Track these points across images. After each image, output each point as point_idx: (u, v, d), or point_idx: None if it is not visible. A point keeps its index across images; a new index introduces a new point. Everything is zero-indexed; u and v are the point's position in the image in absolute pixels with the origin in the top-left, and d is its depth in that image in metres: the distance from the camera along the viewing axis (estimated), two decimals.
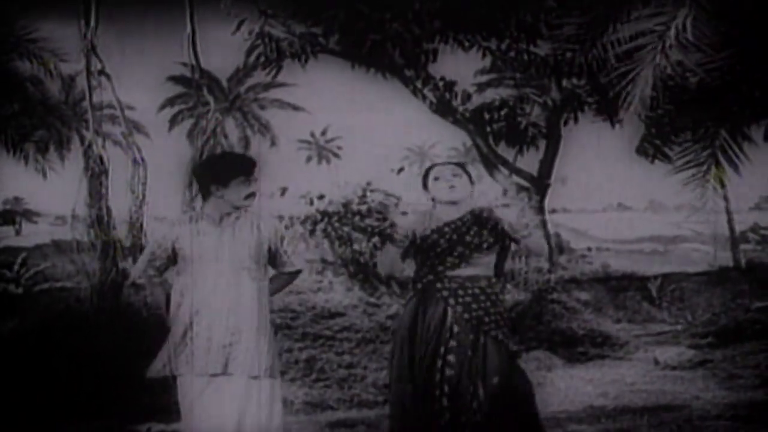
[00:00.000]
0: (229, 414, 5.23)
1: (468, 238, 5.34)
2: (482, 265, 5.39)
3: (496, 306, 5.35)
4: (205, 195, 5.38)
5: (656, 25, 9.00)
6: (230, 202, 5.31)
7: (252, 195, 5.34)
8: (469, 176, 5.47)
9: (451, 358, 5.23)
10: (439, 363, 5.22)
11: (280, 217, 11.71)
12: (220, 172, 5.35)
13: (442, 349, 5.25)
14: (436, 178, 5.42)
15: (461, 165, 5.52)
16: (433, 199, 5.47)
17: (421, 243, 5.36)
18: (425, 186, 5.50)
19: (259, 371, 5.25)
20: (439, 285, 5.34)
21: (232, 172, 5.31)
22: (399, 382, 5.36)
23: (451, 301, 5.29)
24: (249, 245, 5.32)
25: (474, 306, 5.28)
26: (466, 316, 5.26)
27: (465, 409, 5.19)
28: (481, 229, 5.35)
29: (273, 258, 5.45)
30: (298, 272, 5.64)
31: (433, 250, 5.35)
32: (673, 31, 8.78)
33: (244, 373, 5.23)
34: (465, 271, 5.35)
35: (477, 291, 5.31)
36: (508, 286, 11.87)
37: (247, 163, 5.40)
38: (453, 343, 5.25)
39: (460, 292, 5.30)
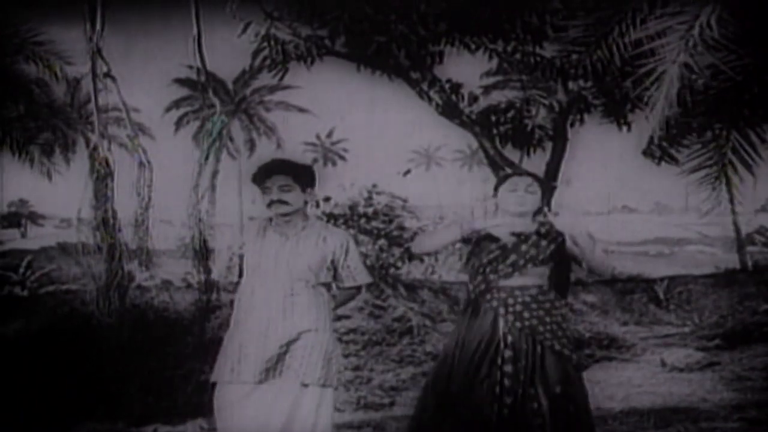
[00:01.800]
0: (275, 420, 5.18)
1: (524, 248, 5.28)
2: (534, 275, 5.30)
3: (551, 315, 5.27)
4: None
5: (678, 24, 8.96)
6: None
7: (274, 204, 5.27)
8: (542, 188, 5.39)
9: (508, 368, 5.16)
10: (498, 374, 5.15)
11: None
12: (254, 179, 5.33)
13: (499, 360, 5.18)
14: (512, 190, 5.33)
15: (537, 179, 5.43)
16: (496, 206, 5.40)
17: (474, 245, 5.33)
18: (496, 190, 5.41)
19: (311, 379, 5.21)
20: (488, 295, 5.27)
21: (256, 181, 5.29)
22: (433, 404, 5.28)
23: (501, 310, 5.23)
24: (311, 256, 5.26)
25: (525, 314, 5.22)
26: (518, 324, 5.20)
27: (529, 418, 5.13)
28: (540, 240, 5.29)
29: (335, 271, 5.40)
30: (358, 289, 5.57)
31: (486, 255, 5.29)
32: (697, 30, 8.74)
33: (297, 380, 5.18)
34: (515, 281, 5.27)
35: (528, 299, 5.25)
36: None
37: (262, 171, 5.32)
38: (509, 352, 5.18)
39: (510, 300, 5.24)
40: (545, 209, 5.37)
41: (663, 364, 10.59)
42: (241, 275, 5.42)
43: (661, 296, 14.33)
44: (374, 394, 9.48)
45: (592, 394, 8.18)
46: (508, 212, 5.31)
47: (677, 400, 8.94)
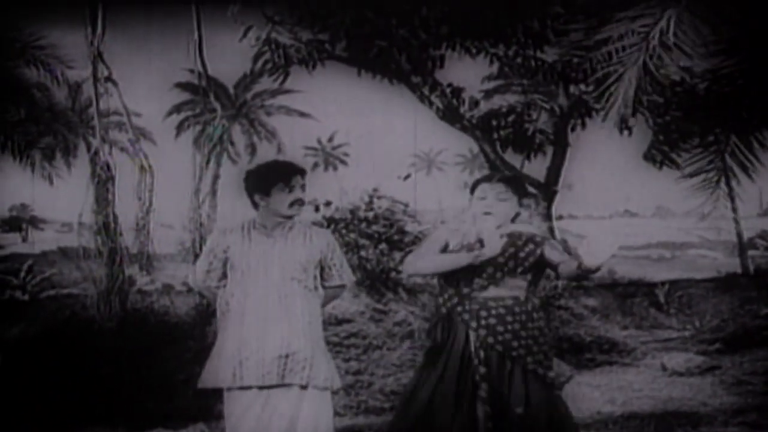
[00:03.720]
0: (279, 425, 5.15)
1: (501, 260, 4.95)
2: (511, 286, 5.02)
3: (527, 328, 4.93)
4: (254, 205, 5.33)
5: (641, 26, 8.96)
6: (276, 212, 5.24)
7: (297, 202, 5.25)
8: (520, 196, 5.12)
9: (484, 388, 4.86)
10: (473, 396, 4.87)
11: None
12: (260, 180, 5.29)
13: (477, 377, 4.87)
14: (482, 197, 5.07)
15: (512, 182, 5.17)
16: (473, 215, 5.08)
17: None
18: (471, 197, 5.15)
19: (316, 382, 5.18)
20: (460, 308, 4.98)
21: (271, 180, 5.25)
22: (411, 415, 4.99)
23: (473, 324, 4.92)
24: (300, 256, 5.24)
25: (499, 328, 4.90)
26: (490, 340, 4.88)
27: None
28: (518, 252, 4.99)
29: (322, 270, 5.37)
30: (342, 287, 5.54)
31: (461, 269, 4.97)
32: (657, 32, 8.74)
33: (299, 383, 5.16)
34: (490, 293, 4.98)
35: (502, 311, 4.93)
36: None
37: (286, 170, 5.31)
38: (483, 369, 4.88)
39: (483, 313, 4.92)
40: (520, 215, 5.21)
41: (663, 368, 10.55)
42: (220, 279, 5.38)
43: (662, 300, 14.30)
44: (375, 398, 9.45)
45: (592, 398, 8.17)
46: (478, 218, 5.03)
47: (678, 405, 8.90)
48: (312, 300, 5.29)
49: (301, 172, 5.33)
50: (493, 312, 4.92)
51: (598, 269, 4.58)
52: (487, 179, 5.17)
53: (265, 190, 5.25)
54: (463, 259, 4.93)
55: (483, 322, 4.90)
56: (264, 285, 5.20)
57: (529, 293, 5.06)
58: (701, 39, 8.78)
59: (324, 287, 5.43)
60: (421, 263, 5.14)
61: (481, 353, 4.89)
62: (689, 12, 8.73)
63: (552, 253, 4.99)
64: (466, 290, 5.00)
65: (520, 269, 5.00)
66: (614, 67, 9.08)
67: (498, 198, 5.04)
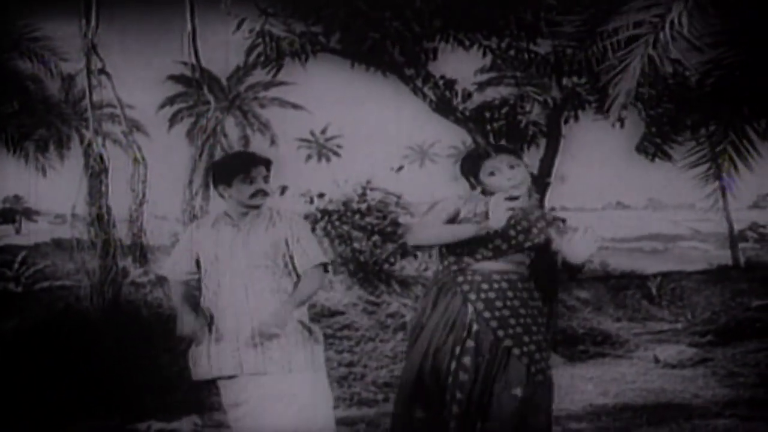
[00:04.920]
0: (274, 410, 5.16)
1: (512, 232, 4.82)
2: (516, 261, 4.87)
3: (528, 307, 4.79)
4: (221, 196, 5.35)
5: (652, 17, 8.96)
6: (239, 202, 5.25)
7: (258, 193, 5.25)
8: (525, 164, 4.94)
9: (466, 360, 4.71)
10: (453, 365, 4.71)
11: None
12: (222, 172, 5.32)
13: (458, 350, 4.73)
14: (491, 173, 4.86)
15: (515, 152, 4.99)
16: (483, 192, 4.90)
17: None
18: (477, 180, 4.92)
19: (295, 366, 5.18)
20: (461, 278, 4.81)
21: (232, 171, 5.27)
22: (406, 384, 4.86)
23: (472, 296, 4.76)
24: (263, 243, 5.23)
25: (498, 303, 4.73)
26: (486, 314, 4.72)
27: (478, 419, 4.69)
28: (531, 227, 4.88)
29: (292, 255, 5.33)
30: (318, 268, 5.33)
31: (467, 239, 4.79)
32: (667, 24, 8.75)
33: (283, 369, 5.15)
34: (494, 265, 4.82)
35: (504, 285, 4.77)
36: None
37: (246, 160, 5.33)
38: (471, 343, 4.73)
39: (484, 286, 4.76)
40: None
41: (656, 360, 10.58)
42: (188, 273, 5.39)
43: (654, 292, 14.34)
44: (368, 390, 9.47)
45: (585, 390, 8.19)
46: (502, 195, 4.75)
47: (670, 396, 8.93)
48: (283, 287, 5.26)
49: (265, 162, 5.31)
50: (495, 286, 4.77)
51: (582, 267, 4.48)
52: (485, 155, 4.92)
53: (226, 182, 5.27)
54: (468, 230, 4.75)
55: (482, 294, 4.75)
56: (231, 275, 5.22)
57: (531, 271, 4.91)
58: (712, 31, 8.78)
59: (299, 274, 5.34)
60: (425, 234, 4.92)
61: (474, 326, 4.74)
62: (697, 4, 8.72)
63: (557, 238, 4.83)
64: (468, 260, 4.83)
65: (528, 244, 4.86)
66: (620, 58, 9.06)
67: (510, 166, 4.86)
